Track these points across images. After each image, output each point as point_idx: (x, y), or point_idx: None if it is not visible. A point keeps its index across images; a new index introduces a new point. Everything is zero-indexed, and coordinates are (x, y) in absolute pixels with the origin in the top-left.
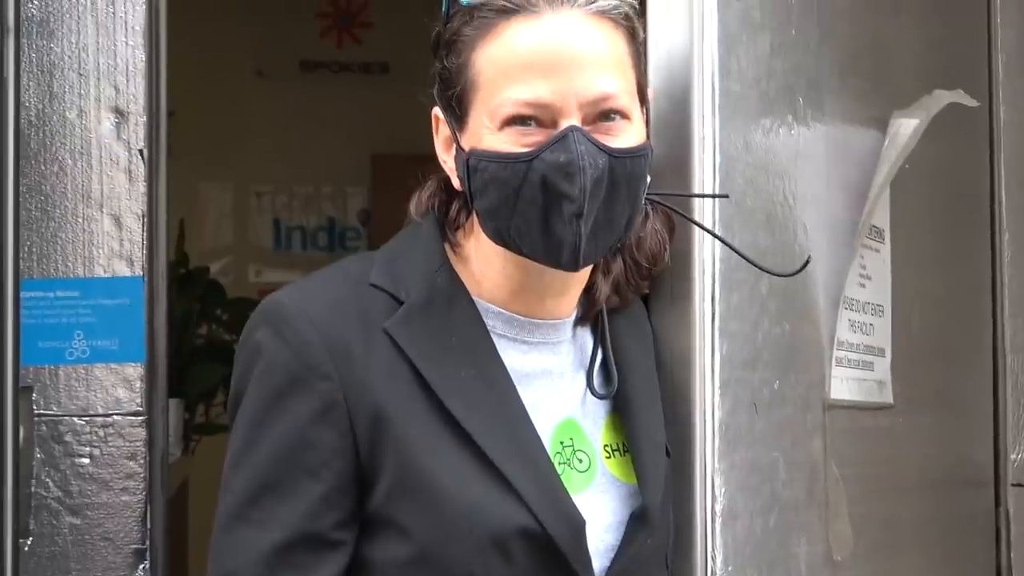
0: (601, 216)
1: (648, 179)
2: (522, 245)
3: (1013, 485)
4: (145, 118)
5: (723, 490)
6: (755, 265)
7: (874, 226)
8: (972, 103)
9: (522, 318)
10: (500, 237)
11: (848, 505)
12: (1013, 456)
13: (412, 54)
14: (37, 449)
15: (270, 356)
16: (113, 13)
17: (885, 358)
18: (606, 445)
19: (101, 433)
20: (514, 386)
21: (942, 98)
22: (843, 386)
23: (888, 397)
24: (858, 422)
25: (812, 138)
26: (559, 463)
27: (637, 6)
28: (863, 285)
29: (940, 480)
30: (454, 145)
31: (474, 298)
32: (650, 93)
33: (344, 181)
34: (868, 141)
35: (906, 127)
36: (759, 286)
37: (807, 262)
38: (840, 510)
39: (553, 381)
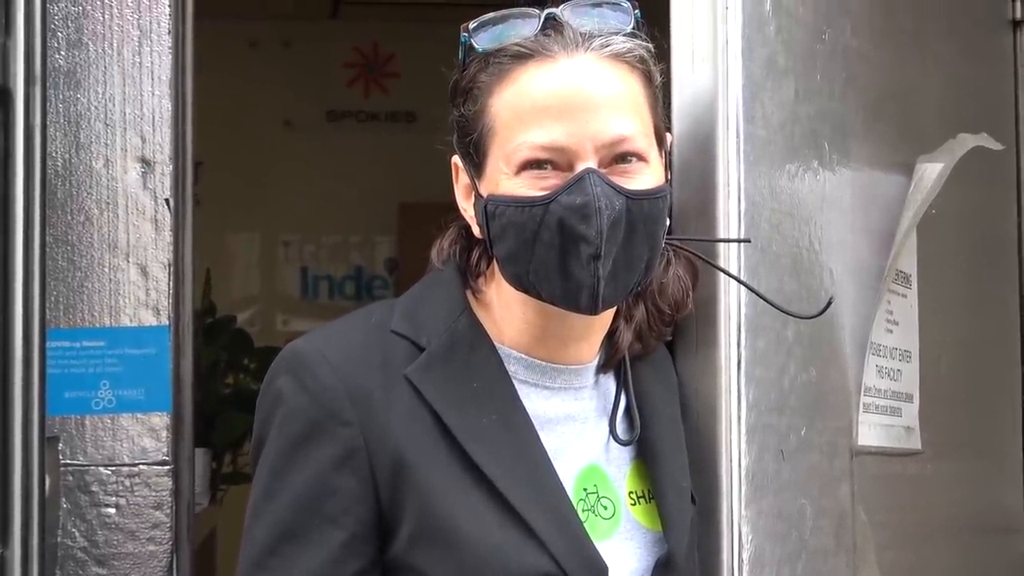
0: (620, 258)
1: (667, 221)
2: (541, 289)
3: None
4: (171, 167)
5: (750, 538)
6: (776, 307)
7: (901, 271)
8: (997, 146)
9: (544, 363)
10: (519, 282)
11: (877, 552)
12: None
13: (438, 103)
14: (63, 499)
15: (291, 403)
16: (140, 63)
17: (913, 404)
18: (631, 492)
19: (127, 483)
20: (536, 432)
21: (967, 142)
22: (871, 432)
23: (916, 443)
24: (886, 468)
25: (838, 183)
26: (583, 510)
27: (653, 49)
28: (890, 330)
29: (970, 526)
30: (473, 192)
31: (496, 344)
32: (669, 137)
33: (371, 230)
34: (894, 186)
35: (931, 171)
36: (785, 332)
37: (830, 303)
38: (869, 557)
39: (576, 427)
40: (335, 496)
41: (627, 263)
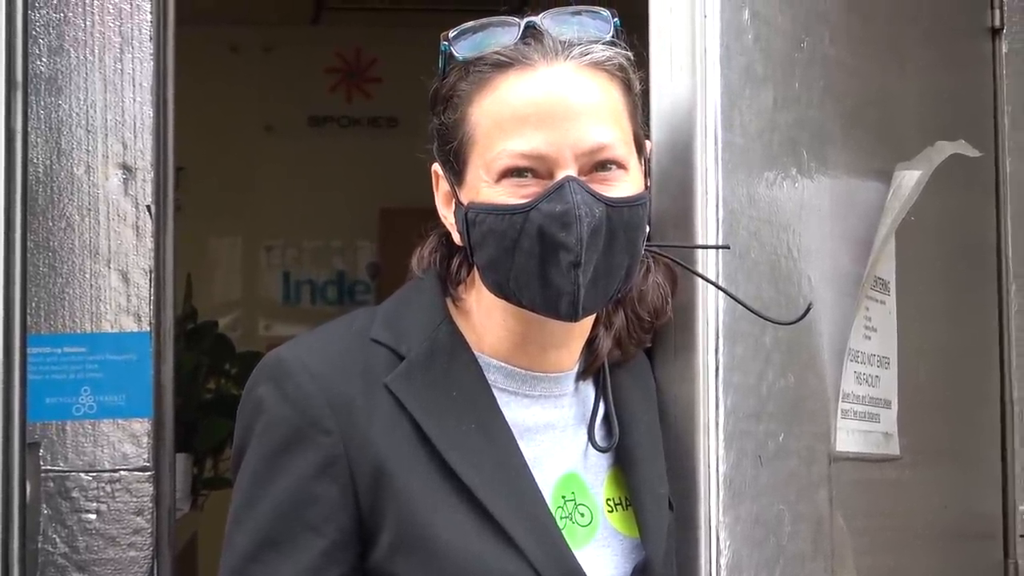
0: (600, 265)
1: (647, 228)
2: (522, 297)
3: (1022, 537)
4: (153, 174)
5: (728, 544)
6: (755, 312)
7: (879, 278)
8: (974, 153)
9: (524, 372)
10: (500, 289)
11: (854, 557)
12: (1022, 508)
13: (421, 108)
14: (44, 505)
15: (272, 411)
16: (121, 70)
17: (891, 410)
18: (608, 499)
19: (108, 489)
20: (515, 440)
21: (944, 149)
22: (849, 438)
23: (895, 449)
24: (864, 474)
25: (816, 191)
26: (560, 517)
27: (632, 57)
28: (868, 337)
29: (948, 532)
30: (453, 200)
31: (475, 353)
32: (648, 144)
33: (353, 235)
34: (872, 193)
35: (909, 179)
36: (763, 338)
37: (808, 309)
38: (846, 562)
39: (555, 435)
40: (316, 504)
41: (607, 270)
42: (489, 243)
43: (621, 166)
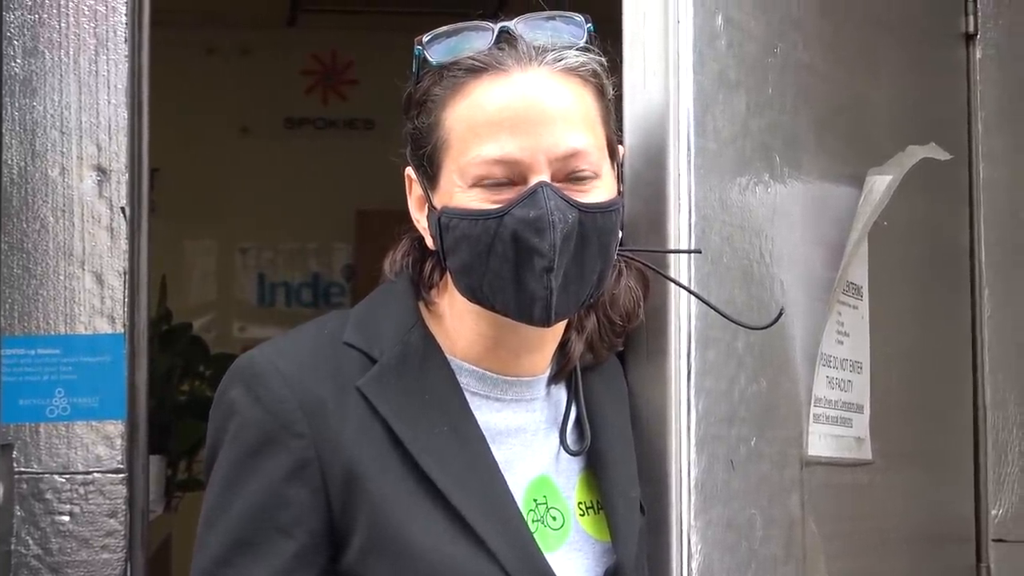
0: (572, 271)
1: (620, 234)
2: (495, 302)
3: (994, 540)
4: (127, 176)
5: (699, 547)
6: (727, 317)
7: (852, 283)
8: (945, 156)
9: (496, 376)
10: (473, 294)
11: (826, 562)
12: (994, 512)
13: (397, 110)
14: (17, 507)
15: (244, 414)
16: (96, 72)
17: (864, 414)
18: (580, 503)
19: (81, 491)
20: (487, 444)
21: (916, 153)
22: (821, 442)
23: (867, 453)
24: (836, 478)
25: (789, 196)
26: (532, 521)
27: (606, 63)
28: (841, 342)
29: (921, 536)
30: (427, 204)
31: (448, 356)
32: (621, 150)
33: (329, 237)
34: (845, 198)
35: (880, 183)
36: (735, 343)
37: (780, 314)
38: (818, 567)
39: (527, 439)
40: (287, 507)
41: (580, 276)
42: (462, 248)
43: (594, 172)
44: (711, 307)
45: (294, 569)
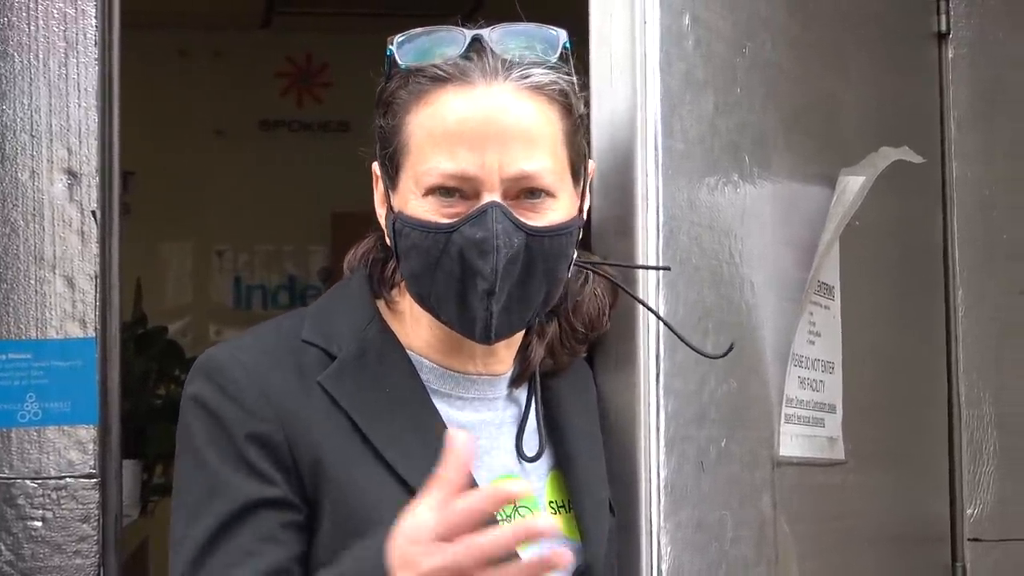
0: (515, 294)
1: (574, 254)
2: (440, 313)
3: (970, 540)
4: (98, 179)
5: (669, 549)
6: (689, 345)
7: (823, 283)
8: (918, 160)
9: (457, 374)
10: (421, 301)
11: (799, 562)
12: (969, 511)
13: (372, 113)
14: None
15: (209, 406)
16: (66, 75)
17: (836, 414)
18: (551, 501)
19: (54, 496)
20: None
21: (889, 155)
22: (793, 443)
23: (839, 453)
24: (808, 479)
25: (759, 196)
26: (501, 519)
27: (576, 82)
28: (812, 342)
29: (895, 536)
30: (386, 204)
31: (408, 352)
32: (591, 165)
33: (305, 239)
34: (816, 198)
35: (853, 184)
36: (705, 344)
37: (730, 348)
38: (790, 567)
39: (492, 433)
40: (267, 484)
41: (521, 298)
42: (413, 256)
43: (549, 194)
44: (673, 331)
45: (283, 542)
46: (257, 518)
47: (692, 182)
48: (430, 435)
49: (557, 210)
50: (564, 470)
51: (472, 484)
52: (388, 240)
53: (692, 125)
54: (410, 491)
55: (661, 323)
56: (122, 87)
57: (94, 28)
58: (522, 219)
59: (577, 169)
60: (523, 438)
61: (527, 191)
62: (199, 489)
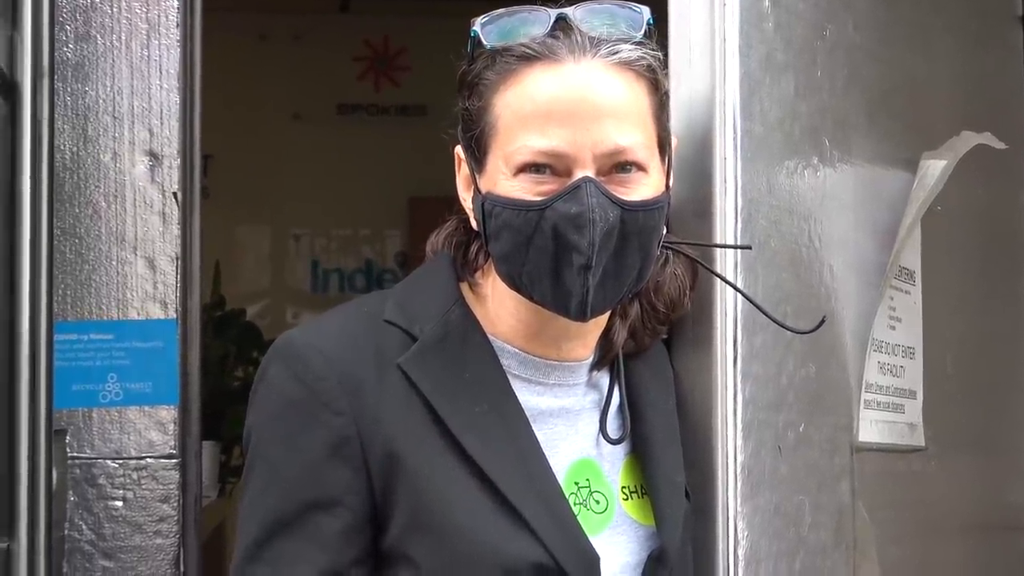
0: (610, 268)
1: (664, 230)
2: (533, 292)
3: None
4: (179, 161)
5: (746, 534)
6: (773, 320)
7: (904, 268)
8: (1000, 146)
9: (538, 359)
10: (512, 282)
11: (878, 549)
12: None
13: (449, 97)
14: (70, 492)
15: (284, 393)
16: (148, 57)
17: (916, 400)
18: (624, 487)
19: (134, 476)
20: (528, 423)
21: (970, 140)
22: (872, 428)
23: (920, 440)
24: (889, 465)
25: (839, 179)
26: (575, 503)
27: (662, 58)
28: (893, 327)
29: (975, 524)
30: (473, 186)
31: (490, 337)
32: (674, 142)
33: (382, 224)
34: (897, 182)
35: (935, 168)
36: (783, 329)
37: (822, 321)
38: (869, 553)
39: (569, 420)
40: (329, 485)
41: (617, 273)
42: (504, 236)
43: (641, 168)
44: (756, 307)
45: (337, 547)
46: (313, 520)
47: (771, 165)
48: (508, 422)
49: (648, 184)
50: (641, 453)
51: (548, 470)
52: (475, 223)
53: (772, 108)
54: (485, 480)
55: (741, 305)
56: (203, 70)
57: (176, 10)
58: (615, 194)
59: (664, 144)
60: (607, 421)
61: (619, 165)
62: (260, 480)
